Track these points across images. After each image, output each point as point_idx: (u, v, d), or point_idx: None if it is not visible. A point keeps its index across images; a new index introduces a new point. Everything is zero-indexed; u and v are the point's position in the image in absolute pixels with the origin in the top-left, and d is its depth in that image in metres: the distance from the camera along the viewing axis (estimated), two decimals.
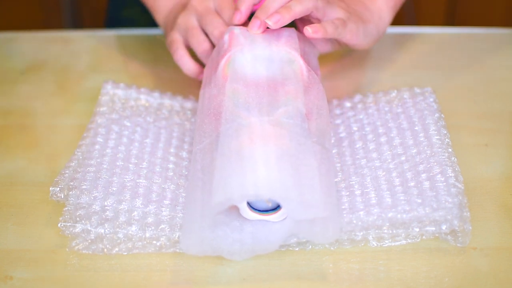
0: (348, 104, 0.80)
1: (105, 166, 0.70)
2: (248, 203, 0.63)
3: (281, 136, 0.63)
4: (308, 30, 0.72)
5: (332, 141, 0.75)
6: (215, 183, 0.61)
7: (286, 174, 0.60)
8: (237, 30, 0.74)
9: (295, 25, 0.81)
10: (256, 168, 0.60)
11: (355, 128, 0.76)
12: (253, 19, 0.74)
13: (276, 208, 0.63)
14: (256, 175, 0.60)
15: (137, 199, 0.67)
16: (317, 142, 0.66)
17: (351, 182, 0.68)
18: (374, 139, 0.73)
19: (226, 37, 0.74)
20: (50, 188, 0.68)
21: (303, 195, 0.60)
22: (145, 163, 0.71)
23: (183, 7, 0.82)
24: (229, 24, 0.78)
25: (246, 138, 0.63)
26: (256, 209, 0.63)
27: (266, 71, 0.71)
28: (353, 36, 0.77)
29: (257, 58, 0.71)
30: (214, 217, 0.62)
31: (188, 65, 0.81)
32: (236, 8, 0.77)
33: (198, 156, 0.67)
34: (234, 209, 0.64)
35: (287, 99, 0.67)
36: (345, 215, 0.64)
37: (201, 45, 0.79)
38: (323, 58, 0.91)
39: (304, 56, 0.74)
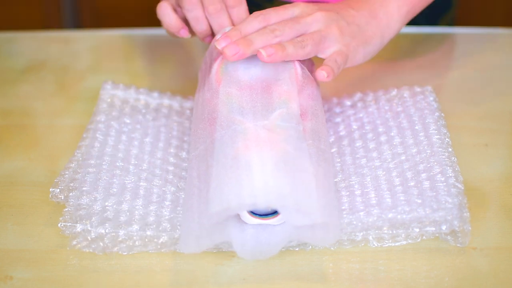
0: (348, 103, 0.80)
1: (105, 167, 0.70)
2: None
3: (276, 142, 0.63)
4: (324, 74, 0.69)
5: (332, 139, 0.75)
6: (212, 192, 0.61)
7: (282, 182, 0.60)
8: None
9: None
10: (252, 177, 0.60)
11: (355, 127, 0.76)
12: (231, 45, 0.69)
13: (276, 212, 0.63)
14: (252, 184, 0.59)
15: (137, 200, 0.66)
16: (312, 144, 0.65)
17: (351, 182, 0.68)
18: (374, 138, 0.73)
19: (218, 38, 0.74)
20: (50, 189, 0.68)
21: (300, 202, 0.60)
22: (145, 164, 0.71)
23: None
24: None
25: (242, 145, 0.63)
26: (256, 214, 0.63)
27: (259, 72, 0.70)
28: (353, 62, 0.74)
29: (250, 60, 0.71)
30: (212, 226, 0.61)
31: (169, 17, 0.77)
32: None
33: (194, 163, 0.67)
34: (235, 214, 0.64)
35: (281, 101, 0.67)
36: (345, 215, 0.64)
37: (199, 24, 0.76)
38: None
39: None
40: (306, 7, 0.73)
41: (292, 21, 0.71)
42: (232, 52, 0.68)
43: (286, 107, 0.66)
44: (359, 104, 0.79)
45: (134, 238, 0.64)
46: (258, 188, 0.59)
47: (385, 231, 0.64)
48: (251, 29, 0.71)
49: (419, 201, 0.64)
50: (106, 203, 0.66)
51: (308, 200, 0.60)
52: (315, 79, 0.72)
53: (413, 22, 0.86)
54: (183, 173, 0.71)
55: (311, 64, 0.76)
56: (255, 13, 0.72)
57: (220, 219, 0.60)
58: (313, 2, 0.83)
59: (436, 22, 1.05)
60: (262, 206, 0.59)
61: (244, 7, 0.76)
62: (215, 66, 0.71)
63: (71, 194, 0.67)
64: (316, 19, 0.72)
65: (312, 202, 0.60)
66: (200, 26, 0.77)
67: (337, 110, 0.79)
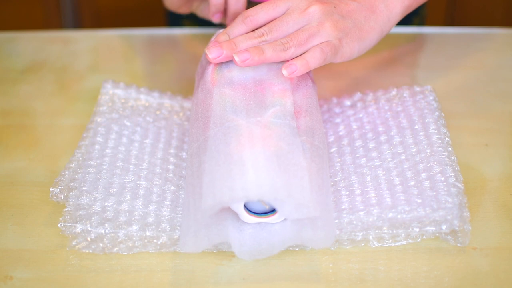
0: (347, 103, 0.80)
1: (105, 167, 0.70)
2: (246, 207, 0.63)
3: (269, 137, 0.63)
4: (284, 73, 0.68)
5: (332, 139, 0.75)
6: (205, 187, 0.61)
7: (274, 175, 0.60)
8: None
9: None
10: (245, 171, 0.60)
11: (354, 127, 0.76)
12: (214, 47, 0.70)
13: (274, 210, 0.63)
14: (245, 177, 0.60)
15: (137, 200, 0.67)
16: (306, 140, 0.65)
17: (351, 181, 0.68)
18: (373, 137, 0.73)
19: (213, 40, 0.74)
20: (50, 189, 0.68)
21: (293, 195, 0.60)
22: (145, 164, 0.71)
23: None
24: None
25: (234, 141, 0.63)
26: (254, 212, 0.63)
27: (253, 72, 0.70)
28: (346, 57, 0.72)
29: None
30: (207, 221, 0.61)
31: None
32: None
33: (189, 161, 0.67)
34: (234, 213, 0.64)
35: (275, 99, 0.67)
36: (345, 215, 0.64)
37: None
38: None
39: None
40: (300, 1, 0.72)
41: (281, 22, 0.70)
42: (215, 55, 0.69)
43: (279, 105, 0.67)
44: (359, 104, 0.79)
45: (134, 238, 0.64)
46: (250, 181, 0.59)
47: (385, 231, 0.64)
48: (239, 33, 0.71)
49: (419, 200, 0.64)
50: (106, 203, 0.66)
51: (301, 192, 0.60)
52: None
53: None
54: (183, 172, 0.72)
55: None
56: (244, 14, 0.71)
57: (214, 213, 0.60)
58: None
59: (410, 20, 1.04)
60: (254, 199, 0.59)
61: None
62: (210, 68, 0.71)
63: (71, 194, 0.67)
64: (309, 14, 0.71)
65: (306, 195, 0.60)
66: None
67: (337, 110, 0.79)
